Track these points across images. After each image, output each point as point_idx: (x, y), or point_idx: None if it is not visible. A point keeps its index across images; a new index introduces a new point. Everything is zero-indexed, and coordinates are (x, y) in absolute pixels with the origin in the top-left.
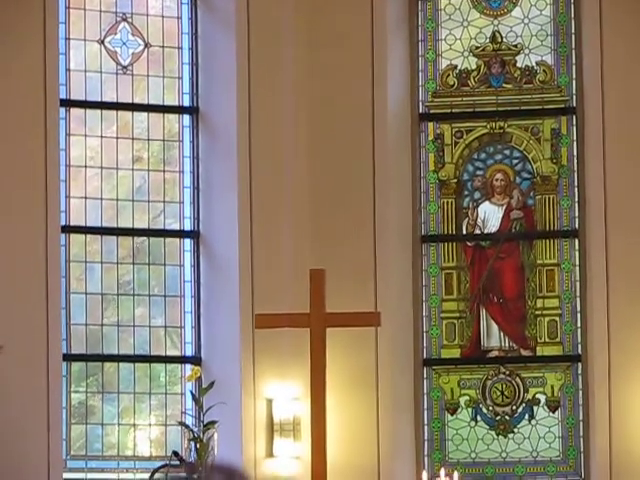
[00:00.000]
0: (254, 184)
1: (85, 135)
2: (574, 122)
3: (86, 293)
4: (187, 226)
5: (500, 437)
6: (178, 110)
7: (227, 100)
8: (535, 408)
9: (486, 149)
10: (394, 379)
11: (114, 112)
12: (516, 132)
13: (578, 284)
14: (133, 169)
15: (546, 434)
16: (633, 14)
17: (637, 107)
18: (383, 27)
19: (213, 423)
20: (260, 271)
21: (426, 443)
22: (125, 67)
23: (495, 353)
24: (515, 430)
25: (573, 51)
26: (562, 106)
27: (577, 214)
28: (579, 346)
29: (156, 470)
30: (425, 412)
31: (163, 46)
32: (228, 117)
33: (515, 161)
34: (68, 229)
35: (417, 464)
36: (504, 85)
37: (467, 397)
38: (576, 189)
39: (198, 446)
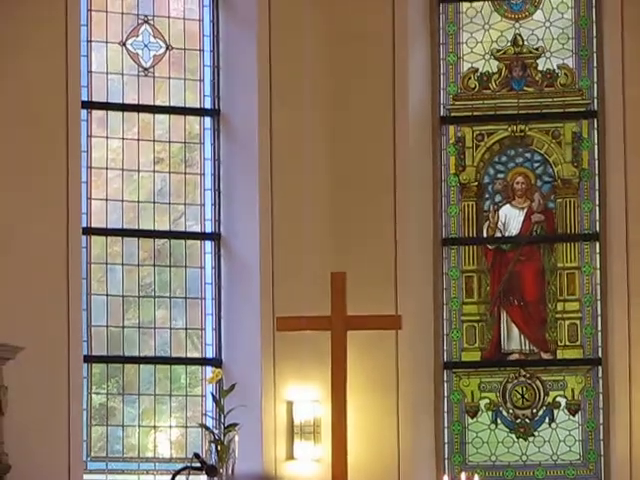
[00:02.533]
0: (275, 187)
1: (107, 137)
2: (595, 125)
3: (107, 295)
4: (208, 228)
5: (520, 440)
6: (199, 112)
7: (248, 102)
8: (555, 411)
9: (507, 152)
10: (414, 382)
11: (135, 114)
12: (537, 135)
13: (599, 287)
14: (154, 171)
15: (566, 437)
16: None
17: None
18: (404, 30)
19: (234, 425)
20: (281, 274)
21: (446, 446)
22: (146, 69)
23: (515, 356)
24: (535, 433)
25: (594, 54)
26: (583, 109)
27: (598, 217)
28: (599, 349)
29: (177, 472)
30: (445, 415)
31: (184, 48)
32: (249, 119)
33: (536, 164)
34: (89, 231)
35: (437, 467)
36: (525, 88)
37: (487, 400)
38: (597, 192)
39: (219, 448)
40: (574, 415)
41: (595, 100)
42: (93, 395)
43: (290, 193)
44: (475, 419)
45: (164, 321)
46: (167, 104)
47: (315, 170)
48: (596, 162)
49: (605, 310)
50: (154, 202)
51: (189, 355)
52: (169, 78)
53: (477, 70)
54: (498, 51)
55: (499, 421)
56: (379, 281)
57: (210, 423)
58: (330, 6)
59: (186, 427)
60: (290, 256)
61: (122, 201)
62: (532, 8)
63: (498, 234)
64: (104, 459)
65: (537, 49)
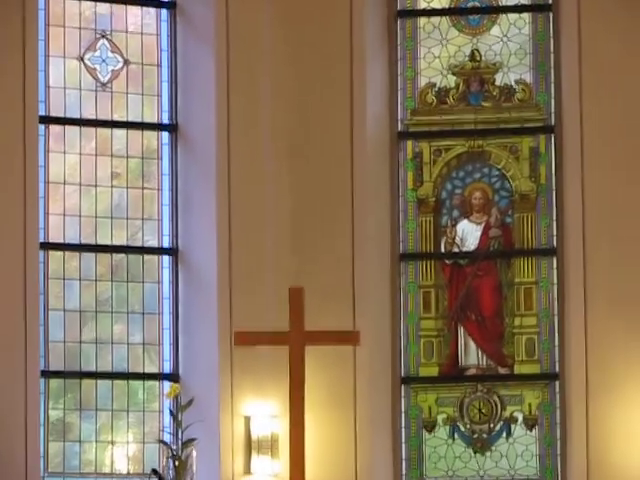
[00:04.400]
0: (233, 201)
1: (64, 152)
2: (553, 140)
3: (64, 310)
4: (165, 243)
5: (477, 455)
6: (157, 127)
7: (206, 117)
8: (513, 426)
9: (465, 167)
10: (372, 397)
11: (93, 129)
12: (495, 150)
13: (556, 302)
14: (112, 186)
15: (524, 452)
16: (612, 33)
17: (616, 126)
18: (362, 45)
19: (192, 441)
20: (239, 288)
21: (404, 461)
22: (104, 84)
23: (473, 371)
24: (493, 448)
25: (552, 70)
26: (541, 124)
27: (555, 232)
28: (557, 364)
29: None
30: (403, 430)
31: (142, 63)
32: (207, 134)
33: (494, 179)
34: (47, 246)
35: None
36: (483, 103)
37: (445, 415)
38: (554, 207)
39: (177, 464)
40: (531, 430)
41: (552, 115)
42: (50, 410)
43: (248, 208)
44: (432, 434)
45: (121, 336)
46: (125, 119)
47: (273, 185)
48: (553, 177)
49: (562, 325)
50: (111, 217)
51: (147, 370)
52: (127, 93)
53: (435, 85)
54: (456, 66)
55: (456, 436)
56: (337, 296)
57: (168, 438)
58: (288, 22)
59: (144, 442)
60: (248, 271)
61: (80, 216)
62: (490, 23)
63: (456, 249)
64: (61, 474)
65: (495, 64)
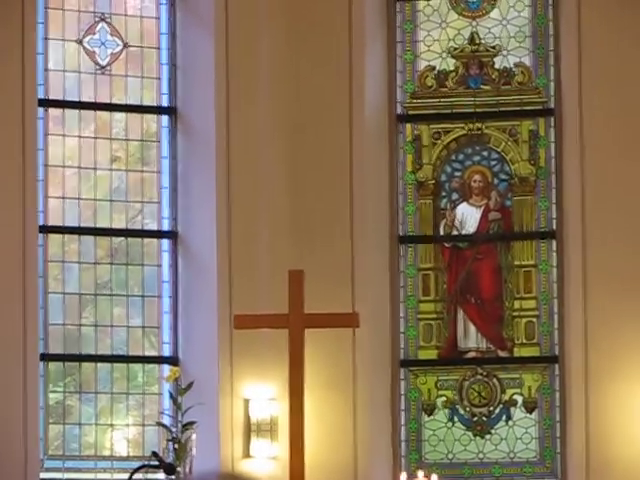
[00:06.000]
0: (232, 184)
1: (63, 135)
2: (552, 124)
3: (64, 293)
4: (165, 226)
5: (477, 438)
6: (156, 110)
7: (205, 100)
8: (512, 409)
9: (464, 150)
10: (371, 380)
11: (92, 112)
12: (494, 133)
13: (555, 285)
14: (111, 169)
15: (523, 435)
16: (611, 16)
17: (615, 108)
18: (361, 28)
19: (191, 424)
20: (238, 271)
21: (403, 444)
22: (103, 67)
23: (472, 354)
24: (492, 431)
25: (551, 53)
26: (540, 107)
27: (555, 215)
28: (556, 347)
29: (135, 471)
30: (402, 413)
31: (142, 46)
32: (206, 117)
33: (493, 162)
34: (46, 229)
35: (394, 465)
36: (482, 86)
37: (444, 398)
38: (554, 190)
39: (176, 447)
40: (531, 413)
41: (552, 98)
42: (50, 393)
43: (247, 191)
44: (432, 417)
45: (121, 319)
46: (124, 102)
47: (272, 168)
48: (553, 160)
49: (562, 308)
50: (111, 200)
51: (146, 353)
52: (126, 76)
53: (434, 68)
54: (455, 49)
55: (456, 419)
56: (336, 279)
57: (167, 421)
58: (287, 5)
59: (143, 425)
60: (247, 254)
61: (79, 199)
62: (489, 6)
63: (455, 232)
64: (61, 457)
65: (494, 47)
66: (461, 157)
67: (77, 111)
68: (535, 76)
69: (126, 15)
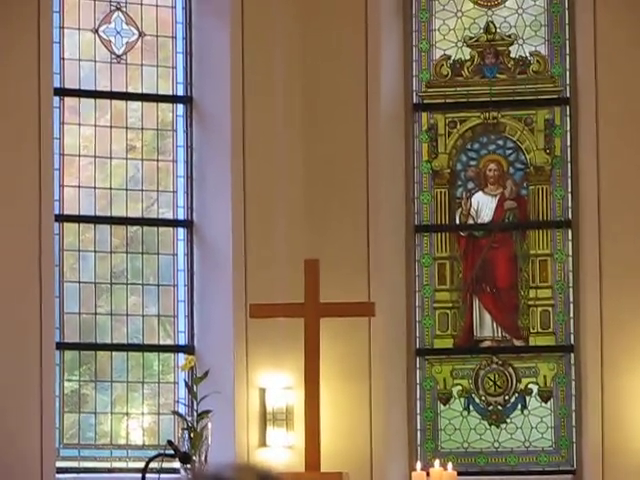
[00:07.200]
0: (247, 173)
1: (79, 124)
2: (568, 112)
3: (79, 282)
4: (180, 215)
5: (492, 427)
6: (172, 99)
7: (221, 89)
8: (527, 398)
9: (479, 139)
10: (387, 369)
11: (108, 101)
12: (510, 122)
13: (571, 274)
14: (127, 158)
15: (538, 424)
16: (627, 4)
17: (631, 98)
18: (377, 17)
19: (207, 413)
20: (254, 260)
21: (419, 433)
22: (119, 56)
23: (488, 343)
24: (507, 420)
25: (567, 41)
26: (556, 96)
27: (570, 204)
28: (572, 336)
29: (151, 459)
30: (418, 402)
31: (157, 35)
32: (222, 106)
33: (508, 151)
34: (62, 218)
35: (409, 454)
36: (498, 75)
37: (460, 387)
38: (569, 180)
39: (192, 435)
40: (546, 402)
41: (567, 87)
42: (65, 382)
43: (263, 180)
44: (447, 406)
45: (136, 308)
46: (140, 91)
47: (288, 157)
48: (568, 149)
49: (577, 297)
50: (126, 189)
51: (162, 342)
52: (141, 65)
53: (450, 57)
54: (470, 38)
55: (471, 408)
56: (352, 268)
57: (183, 410)
58: None
59: (159, 414)
60: (263, 243)
61: (94, 188)
62: None
63: (470, 221)
64: (76, 446)
65: (509, 36)
66: (476, 146)
67: (93, 100)
68: (551, 65)
69: (142, 4)
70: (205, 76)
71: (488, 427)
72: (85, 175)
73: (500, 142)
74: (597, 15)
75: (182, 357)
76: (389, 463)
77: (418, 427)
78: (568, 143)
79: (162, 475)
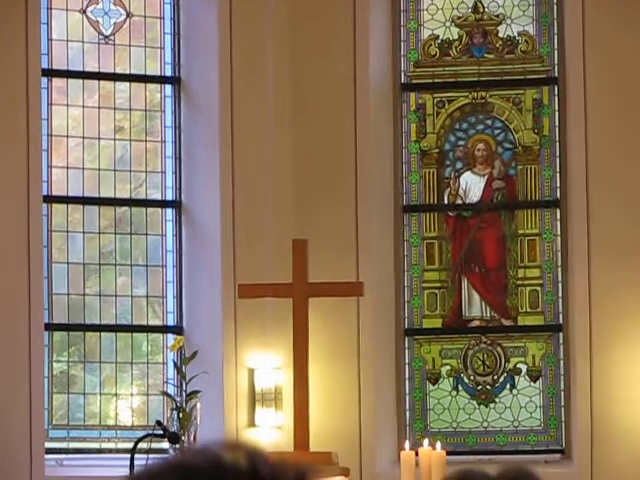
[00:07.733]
0: (236, 154)
1: (67, 105)
2: (556, 92)
3: (68, 263)
4: (169, 196)
5: (481, 407)
6: (160, 80)
7: (209, 70)
8: (516, 378)
9: (468, 119)
10: (375, 349)
11: (96, 82)
12: (498, 102)
13: (559, 254)
14: (115, 139)
15: (527, 404)
16: None
17: (619, 77)
18: None
19: (196, 393)
20: (242, 241)
21: (407, 413)
22: (107, 37)
23: (476, 323)
24: (496, 400)
25: (555, 21)
26: (544, 76)
27: (559, 184)
28: (560, 316)
29: (140, 440)
30: (407, 382)
31: (145, 16)
32: (210, 87)
33: (497, 131)
34: (50, 199)
35: (398, 433)
36: (486, 55)
37: (448, 367)
38: (558, 159)
39: (181, 416)
40: (535, 381)
41: (556, 67)
42: (54, 363)
43: (251, 160)
44: (436, 386)
45: (125, 289)
46: (128, 72)
47: (276, 137)
48: (557, 129)
49: (566, 276)
50: (115, 170)
51: (150, 323)
52: (129, 46)
53: (438, 37)
54: (459, 18)
55: (460, 388)
56: (340, 248)
57: (172, 391)
58: None
59: (147, 395)
60: (251, 223)
61: (83, 169)
62: None
63: (459, 201)
64: (65, 427)
65: (497, 16)
66: (465, 126)
67: (81, 81)
68: (539, 45)
69: None
70: (193, 57)
71: (477, 407)
72: (73, 156)
73: (488, 122)
74: None
75: (171, 337)
76: (378, 443)
77: (407, 407)
78: (556, 123)
79: (151, 455)
